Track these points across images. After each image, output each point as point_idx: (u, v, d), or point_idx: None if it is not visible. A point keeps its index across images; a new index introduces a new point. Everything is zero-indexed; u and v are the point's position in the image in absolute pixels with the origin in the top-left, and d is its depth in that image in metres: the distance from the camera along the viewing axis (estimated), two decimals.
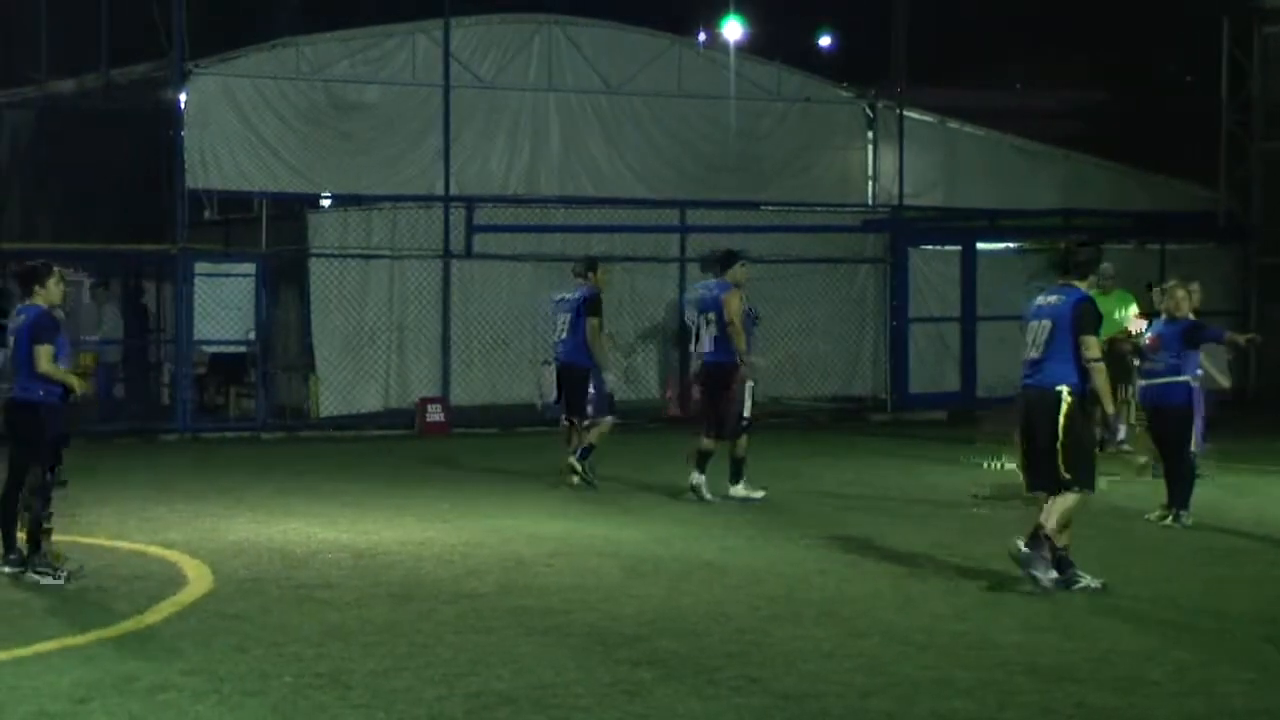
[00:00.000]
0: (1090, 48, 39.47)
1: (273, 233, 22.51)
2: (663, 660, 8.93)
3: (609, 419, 16.42)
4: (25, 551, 11.33)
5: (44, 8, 26.23)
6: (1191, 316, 15.20)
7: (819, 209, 25.21)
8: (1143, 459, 16.37)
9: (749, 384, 15.32)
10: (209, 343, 22.20)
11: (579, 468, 16.05)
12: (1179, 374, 13.94)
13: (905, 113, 25.80)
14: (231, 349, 22.36)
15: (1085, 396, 10.90)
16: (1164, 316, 14.40)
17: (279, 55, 22.59)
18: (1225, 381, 16.66)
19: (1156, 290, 14.84)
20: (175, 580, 11.27)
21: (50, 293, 11.43)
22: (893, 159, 25.64)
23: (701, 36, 34.12)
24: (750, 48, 31.44)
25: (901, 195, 25.50)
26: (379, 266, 22.53)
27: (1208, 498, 14.55)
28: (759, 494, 15.22)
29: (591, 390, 16.19)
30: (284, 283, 22.96)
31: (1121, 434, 18.77)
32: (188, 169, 21.58)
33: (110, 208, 22.83)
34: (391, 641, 9.36)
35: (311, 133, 22.51)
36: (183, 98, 21.66)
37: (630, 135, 24.35)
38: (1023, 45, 40.90)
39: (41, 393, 11.27)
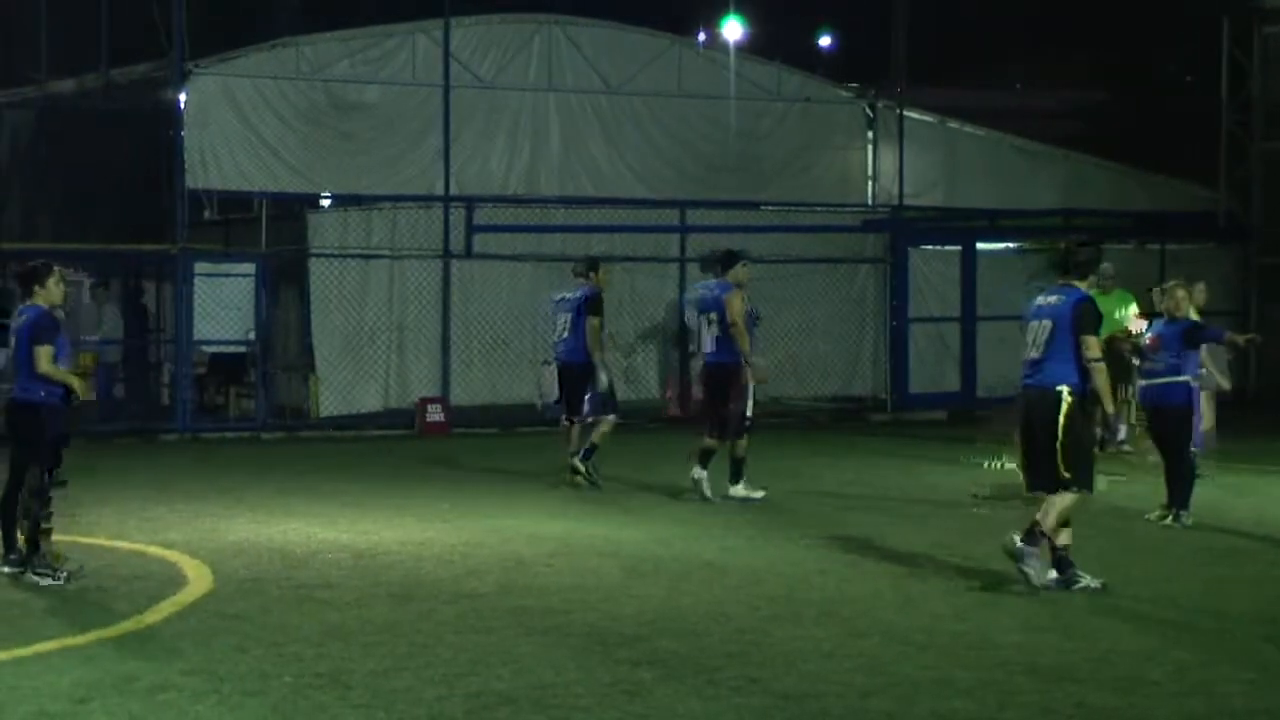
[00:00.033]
0: (1090, 48, 39.47)
1: (273, 233, 22.51)
2: (663, 660, 8.93)
3: (611, 418, 16.43)
4: (25, 552, 11.33)
5: (44, 8, 26.23)
6: (1193, 316, 15.25)
7: (819, 209, 25.21)
8: (1153, 457, 16.34)
9: (751, 384, 15.32)
10: (209, 343, 22.20)
11: (582, 468, 16.08)
12: (1179, 374, 13.94)
13: (905, 113, 25.79)
14: (231, 349, 22.35)
15: (1085, 396, 10.91)
16: (1164, 316, 14.39)
17: (279, 55, 22.58)
18: (1225, 383, 16.66)
19: (1156, 290, 14.84)
20: (175, 580, 11.27)
21: (50, 293, 11.43)
22: (893, 159, 25.64)
23: (701, 36, 34.12)
24: (750, 48, 31.44)
25: (901, 195, 25.50)
26: (379, 266, 22.53)
27: (1208, 498, 14.55)
28: (759, 494, 15.22)
29: (592, 389, 16.23)
30: (284, 283, 22.96)
31: (1122, 434, 18.80)
32: (188, 169, 21.58)
33: (110, 208, 22.82)
34: (391, 641, 9.36)
35: (311, 133, 22.51)
36: (183, 98, 21.66)
37: (630, 135, 24.35)
38: (1023, 45, 40.91)
39: (43, 393, 11.27)
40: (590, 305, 16.21)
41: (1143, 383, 14.31)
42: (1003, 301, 23.94)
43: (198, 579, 11.28)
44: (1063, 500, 10.81)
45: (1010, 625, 9.84)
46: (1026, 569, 10.67)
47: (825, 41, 42.27)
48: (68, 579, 11.11)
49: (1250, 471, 17.22)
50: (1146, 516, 13.98)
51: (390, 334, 22.54)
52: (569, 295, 16.44)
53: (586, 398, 16.27)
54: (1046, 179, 26.63)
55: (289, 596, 10.69)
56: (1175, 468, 13.89)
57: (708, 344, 15.42)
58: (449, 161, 22.84)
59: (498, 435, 22.03)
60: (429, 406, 22.09)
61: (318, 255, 22.19)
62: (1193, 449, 14.32)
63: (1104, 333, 11.57)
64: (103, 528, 13.50)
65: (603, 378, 16.24)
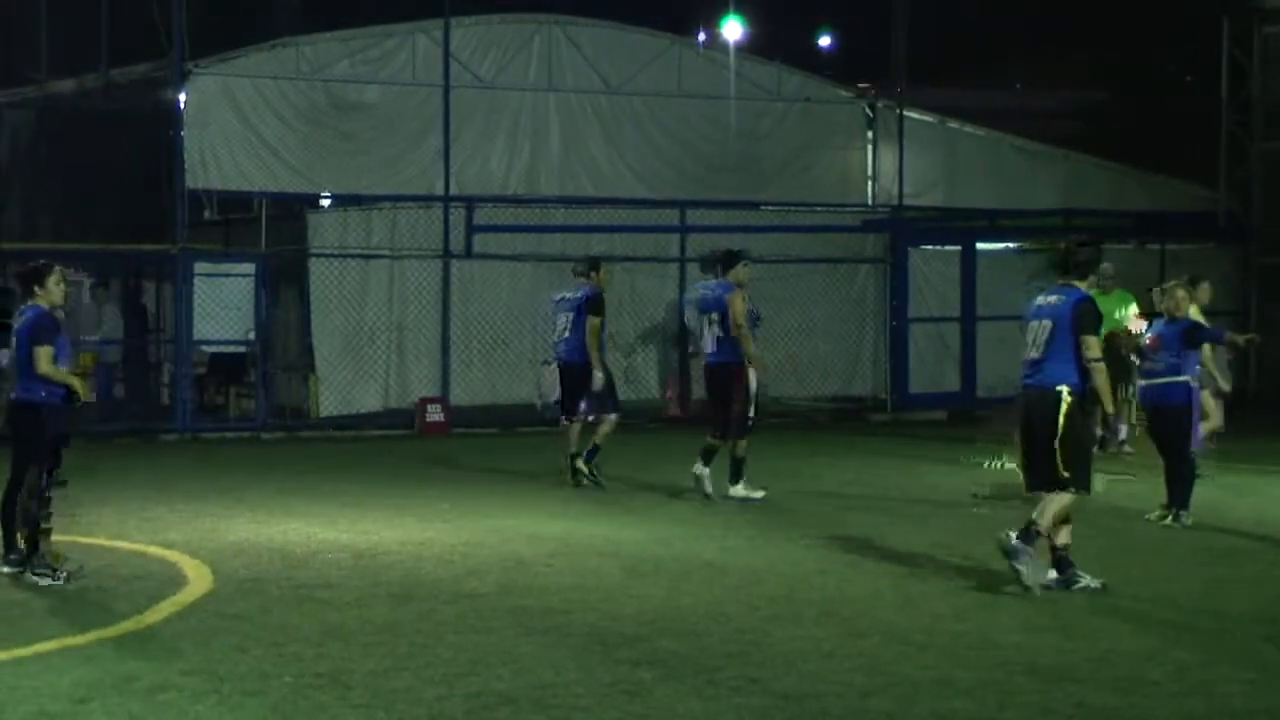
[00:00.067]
0: (1090, 48, 39.48)
1: (273, 233, 22.51)
2: (663, 660, 8.93)
3: (612, 417, 16.45)
4: (25, 552, 11.33)
5: (44, 8, 26.24)
6: (1198, 316, 15.28)
7: (819, 209, 25.21)
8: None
9: (753, 384, 15.33)
10: (209, 343, 22.20)
11: (586, 470, 16.11)
12: (1179, 374, 13.94)
13: (905, 113, 25.79)
14: (231, 349, 22.35)
15: (1085, 396, 10.92)
16: (1164, 316, 14.39)
17: (279, 55, 22.58)
18: (1225, 384, 16.67)
19: (1156, 290, 14.85)
20: (175, 580, 11.27)
21: (51, 293, 11.43)
22: (893, 159, 25.64)
23: (701, 36, 34.12)
24: (750, 48, 31.43)
25: (901, 195, 25.50)
26: (379, 266, 22.54)
27: (1208, 498, 14.55)
28: (759, 494, 15.23)
29: (596, 388, 16.26)
30: (284, 283, 22.97)
31: (1122, 434, 18.83)
32: (188, 169, 21.58)
33: (110, 208, 22.82)
34: (391, 641, 9.36)
35: (311, 133, 22.51)
36: (183, 98, 21.66)
37: (630, 135, 24.35)
38: (1023, 45, 40.92)
39: (44, 394, 11.27)
40: (590, 305, 16.23)
41: (1143, 383, 14.31)
42: (1003, 301, 23.96)
43: (198, 579, 11.28)
44: (1060, 500, 10.81)
45: (1010, 625, 9.84)
46: (1019, 566, 10.67)
47: (825, 41, 42.28)
48: (67, 579, 11.12)
49: (1250, 471, 17.22)
50: (1146, 516, 13.98)
51: (390, 334, 22.54)
52: (569, 295, 16.46)
53: (581, 401, 16.32)
54: (1046, 179, 26.63)
55: (289, 596, 10.69)
56: (1175, 468, 13.88)
57: (709, 344, 15.45)
58: (449, 161, 22.84)
59: (498, 435, 22.04)
60: (429, 406, 22.10)
61: (318, 255, 22.19)
62: (1192, 449, 14.32)
63: (1103, 331, 11.59)
64: (103, 528, 13.50)
65: (599, 376, 16.25)
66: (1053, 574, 10.93)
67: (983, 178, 26.16)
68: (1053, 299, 11.03)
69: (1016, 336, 12.10)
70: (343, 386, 22.24)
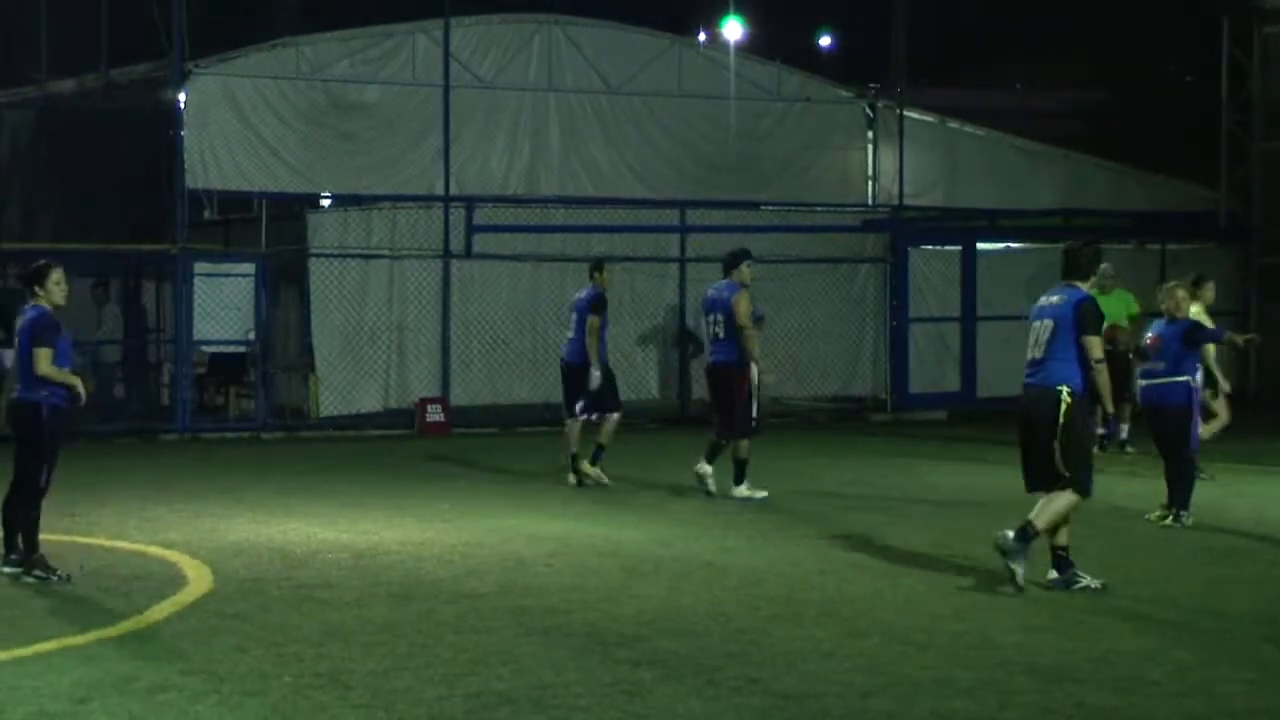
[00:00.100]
0: (1090, 48, 39.50)
1: (273, 233, 22.51)
2: (663, 660, 8.93)
3: (614, 416, 16.49)
4: (25, 552, 11.34)
5: (44, 8, 26.23)
6: (1203, 315, 15.31)
7: (819, 209, 25.21)
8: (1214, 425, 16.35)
9: (756, 385, 15.33)
10: (209, 343, 22.20)
11: (592, 472, 16.20)
12: (1179, 374, 13.93)
13: (905, 113, 25.79)
14: (231, 349, 22.35)
15: (1086, 397, 10.92)
16: (1164, 316, 14.38)
17: (279, 55, 22.58)
18: (1225, 384, 16.68)
19: (1163, 289, 14.81)
20: (175, 580, 11.27)
21: (51, 293, 11.43)
22: (893, 159, 25.64)
23: (701, 36, 34.16)
24: (750, 48, 31.47)
25: (901, 195, 25.51)
26: (379, 266, 22.54)
27: (1208, 498, 14.55)
28: (760, 494, 15.24)
29: (592, 387, 16.30)
30: (284, 283, 22.97)
31: (1124, 434, 18.85)
32: (188, 169, 21.58)
33: (110, 208, 22.79)
34: (391, 641, 9.36)
35: (311, 133, 22.51)
36: (182, 98, 21.66)
37: (630, 135, 24.35)
38: (1023, 45, 40.95)
39: (45, 393, 11.27)
40: (591, 305, 16.30)
41: (1142, 383, 14.30)
42: (1002, 301, 23.99)
43: (198, 579, 11.28)
44: (1058, 501, 10.80)
45: (1010, 625, 9.84)
46: (1014, 566, 10.66)
47: (825, 41, 42.31)
48: (67, 579, 11.12)
49: (1250, 471, 17.22)
50: (1146, 516, 13.98)
51: (390, 334, 22.55)
52: (579, 295, 16.58)
53: (581, 400, 16.37)
54: (1046, 179, 26.63)
55: (289, 596, 10.69)
56: (1175, 468, 13.88)
57: (710, 345, 15.51)
58: (449, 161, 22.84)
59: (498, 435, 22.04)
60: (429, 406, 22.10)
61: (318, 255, 22.19)
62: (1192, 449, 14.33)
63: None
64: (103, 528, 13.51)
65: (595, 375, 16.28)
66: (1053, 574, 10.94)
67: (983, 178, 26.17)
68: (1055, 299, 11.04)
69: (1020, 337, 12.09)
70: (343, 386, 22.25)
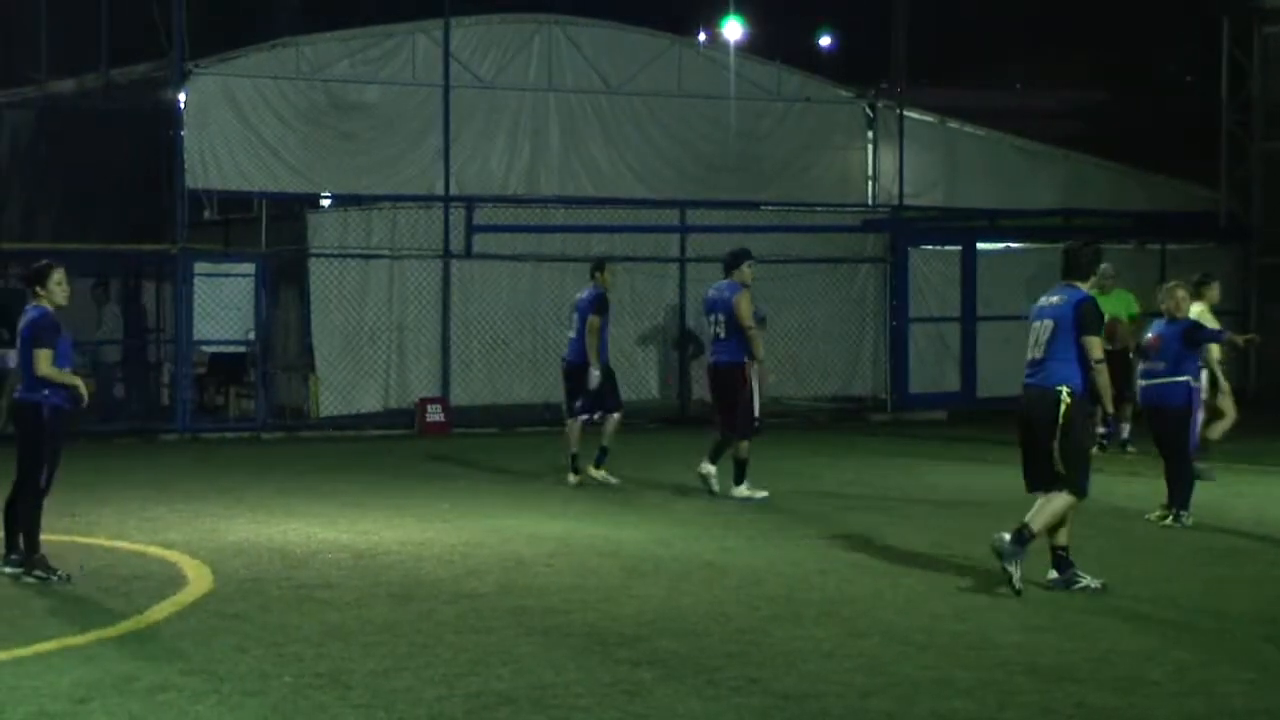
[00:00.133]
0: (1090, 48, 39.50)
1: (273, 233, 22.52)
2: (663, 660, 8.93)
3: (615, 416, 16.50)
4: (26, 552, 11.34)
5: (44, 8, 26.23)
6: (1208, 315, 15.32)
7: (819, 209, 25.21)
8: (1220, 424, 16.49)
9: (757, 384, 15.35)
10: (209, 343, 22.20)
11: (598, 475, 16.27)
12: (1179, 374, 13.93)
13: (905, 113, 25.80)
14: (231, 349, 22.35)
15: (1086, 397, 10.92)
16: (1164, 316, 14.38)
17: (279, 55, 22.58)
18: (1225, 385, 16.70)
19: (1163, 289, 14.81)
20: (175, 580, 11.27)
21: (52, 293, 11.42)
22: (893, 159, 25.65)
23: (701, 36, 34.16)
24: (750, 48, 31.48)
25: (901, 195, 25.51)
26: (379, 266, 22.54)
27: (1208, 498, 14.55)
28: (761, 494, 15.24)
29: (591, 386, 16.32)
30: (284, 283, 22.97)
31: (1125, 433, 18.87)
32: (188, 169, 21.59)
33: (110, 208, 22.79)
34: (391, 641, 9.36)
35: (311, 133, 22.51)
36: (182, 98, 21.67)
37: (630, 135, 24.35)
38: (1023, 45, 40.95)
39: (46, 393, 11.27)
40: (594, 305, 16.32)
41: (1142, 383, 14.30)
42: (1003, 301, 23.99)
43: (198, 579, 11.28)
44: (1055, 502, 10.80)
45: (1010, 625, 9.84)
46: (1011, 570, 10.65)
47: (825, 41, 42.32)
48: (67, 579, 11.12)
49: (1250, 471, 17.21)
50: (1146, 516, 13.98)
51: (390, 334, 22.55)
52: (581, 296, 16.59)
53: (580, 398, 16.40)
54: (1046, 179, 26.63)
55: (289, 596, 10.69)
56: (1175, 468, 13.88)
57: (711, 345, 15.54)
58: (449, 161, 22.85)
59: (498, 435, 22.04)
60: (429, 406, 22.10)
61: (318, 255, 22.20)
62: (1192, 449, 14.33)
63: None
64: (103, 528, 13.51)
65: (595, 375, 16.29)
66: (1053, 574, 10.94)
67: (983, 178, 26.17)
68: (1055, 299, 11.05)
69: (1020, 337, 12.09)
70: (343, 386, 22.25)
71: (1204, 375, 16.00)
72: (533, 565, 11.82)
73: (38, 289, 11.42)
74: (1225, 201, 27.43)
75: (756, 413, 15.35)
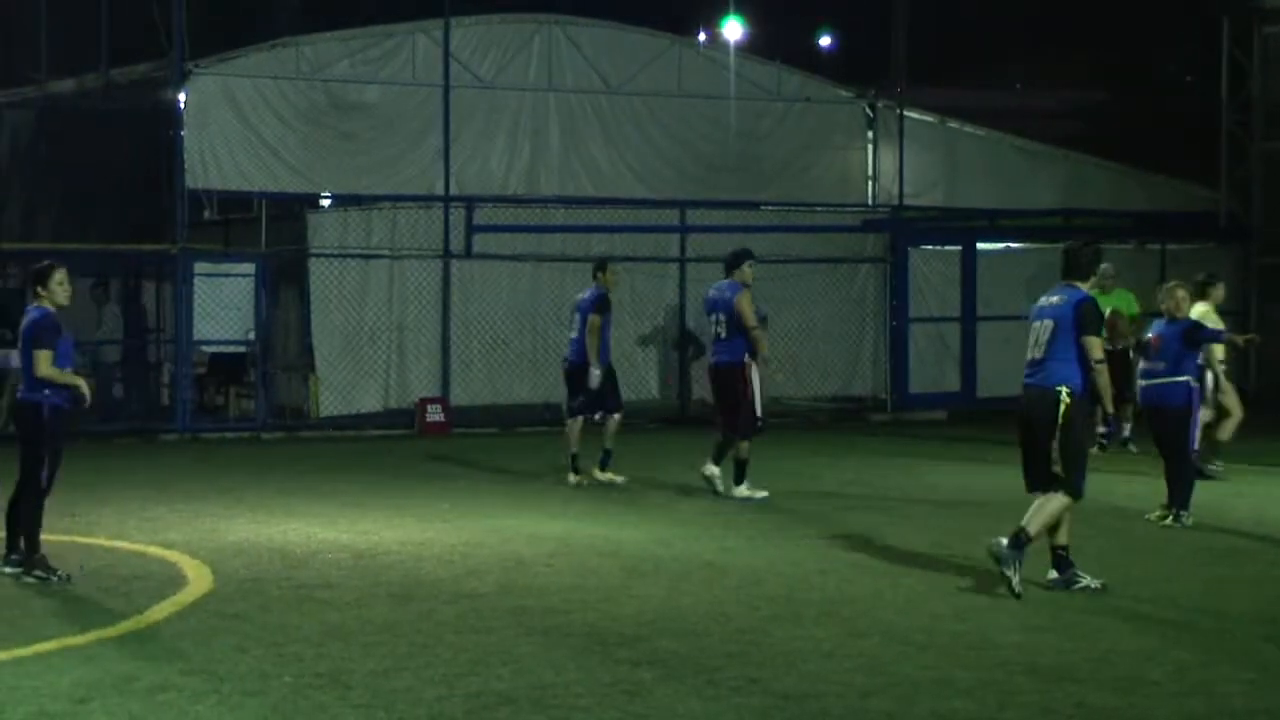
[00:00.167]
0: (1090, 48, 39.46)
1: (272, 233, 22.52)
2: (663, 660, 8.93)
3: (616, 417, 16.51)
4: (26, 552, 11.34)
5: (44, 8, 26.22)
6: (1206, 314, 15.32)
7: (819, 209, 25.21)
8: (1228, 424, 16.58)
9: (758, 384, 15.34)
10: (209, 343, 22.20)
11: (604, 478, 16.30)
12: (1179, 374, 13.93)
13: (905, 113, 25.80)
14: (231, 349, 22.35)
15: (1085, 397, 10.92)
16: (1164, 316, 14.38)
17: (279, 55, 22.58)
18: (1225, 385, 16.70)
19: (1163, 289, 14.81)
20: (175, 580, 11.27)
21: (54, 294, 11.42)
22: (893, 159, 25.65)
23: (701, 36, 34.14)
24: (750, 48, 31.45)
25: (901, 195, 25.51)
26: (379, 266, 22.54)
27: (1208, 498, 14.55)
28: (761, 494, 15.25)
29: (592, 386, 16.33)
30: (284, 283, 22.97)
31: (1127, 431, 18.88)
32: (188, 169, 21.59)
33: (110, 208, 22.81)
34: (391, 641, 9.36)
35: (311, 133, 22.51)
36: (182, 98, 21.67)
37: (630, 135, 24.35)
38: (1023, 45, 40.90)
39: (46, 393, 11.27)
40: (595, 305, 16.33)
41: (1142, 383, 14.31)
42: (1003, 301, 23.99)
43: (198, 579, 11.28)
44: (1051, 504, 10.79)
45: (1010, 625, 9.84)
46: (1009, 574, 10.64)
47: (825, 41, 42.28)
48: (67, 579, 11.12)
49: (1250, 471, 17.21)
50: (1146, 516, 13.98)
51: (390, 334, 22.55)
52: (583, 296, 16.59)
53: (580, 398, 16.42)
54: (1046, 179, 26.63)
55: (289, 596, 10.69)
56: (1175, 468, 13.88)
57: (712, 345, 15.55)
58: (449, 161, 22.85)
59: (498, 435, 22.04)
60: (429, 406, 22.10)
61: (318, 255, 22.20)
62: (1193, 449, 14.33)
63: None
64: (103, 528, 13.51)
65: (595, 374, 16.29)
66: (1053, 574, 10.94)
67: (983, 178, 26.17)
68: (1055, 299, 11.05)
69: (1020, 337, 12.09)
70: (343, 386, 22.25)
71: (1209, 375, 16.07)
72: (533, 565, 11.82)
73: (39, 289, 11.42)
74: (1225, 201, 27.43)
75: (759, 412, 15.36)
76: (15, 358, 12.64)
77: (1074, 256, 11.23)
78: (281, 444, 21.09)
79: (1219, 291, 16.54)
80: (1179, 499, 13.80)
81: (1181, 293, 14.33)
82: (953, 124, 26.49)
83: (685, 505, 14.98)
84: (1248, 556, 12.50)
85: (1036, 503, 10.84)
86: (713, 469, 15.38)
